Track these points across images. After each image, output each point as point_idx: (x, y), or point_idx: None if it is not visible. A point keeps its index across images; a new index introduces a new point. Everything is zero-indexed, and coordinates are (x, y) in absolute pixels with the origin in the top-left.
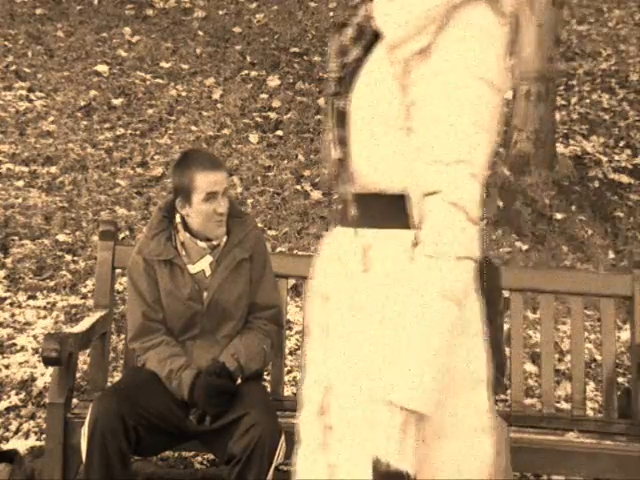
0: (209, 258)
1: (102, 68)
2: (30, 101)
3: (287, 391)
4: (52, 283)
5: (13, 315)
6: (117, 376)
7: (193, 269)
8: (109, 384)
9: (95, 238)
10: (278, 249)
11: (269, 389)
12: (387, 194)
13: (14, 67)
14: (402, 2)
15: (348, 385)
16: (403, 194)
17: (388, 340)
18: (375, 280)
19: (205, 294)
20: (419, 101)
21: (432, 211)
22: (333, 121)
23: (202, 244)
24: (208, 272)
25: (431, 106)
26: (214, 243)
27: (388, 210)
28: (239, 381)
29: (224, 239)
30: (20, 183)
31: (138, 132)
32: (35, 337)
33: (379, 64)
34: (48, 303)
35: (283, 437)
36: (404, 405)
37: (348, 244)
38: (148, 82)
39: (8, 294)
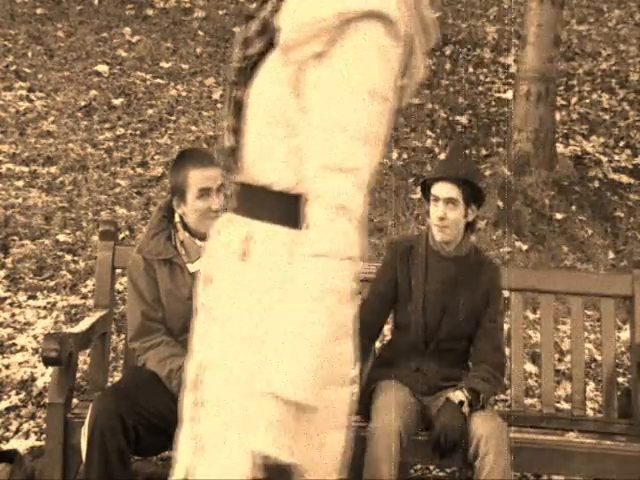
0: None
1: (102, 68)
2: (30, 101)
3: None
4: (52, 283)
5: (13, 315)
6: (117, 376)
7: (192, 268)
8: (109, 384)
9: (95, 238)
10: None
11: None
12: (274, 189)
13: (14, 67)
14: (298, 6)
15: (222, 366)
16: (289, 192)
17: (266, 331)
18: (252, 270)
19: None
20: (310, 107)
21: (319, 213)
22: (229, 109)
23: (201, 243)
24: None
25: (322, 114)
26: None
27: (272, 205)
28: None
29: None
30: (20, 183)
31: (138, 132)
32: (35, 337)
33: (276, 62)
34: (48, 303)
35: None
36: (288, 397)
37: (232, 231)
38: (148, 82)
39: (8, 294)
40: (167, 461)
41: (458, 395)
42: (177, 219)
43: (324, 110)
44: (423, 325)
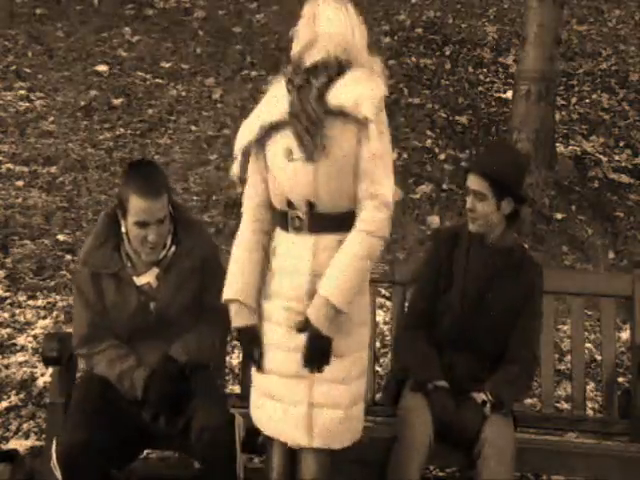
0: (155, 270)
1: (102, 68)
2: (30, 101)
3: None
4: (52, 283)
5: (13, 315)
6: None
7: (139, 281)
8: None
9: None
10: None
11: None
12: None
13: (14, 67)
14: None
15: None
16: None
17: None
18: None
19: (152, 305)
20: None
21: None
22: None
23: (146, 257)
24: (155, 284)
25: None
26: (160, 256)
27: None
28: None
29: (172, 249)
30: (20, 183)
31: (138, 132)
32: (35, 337)
33: None
34: (48, 303)
35: (239, 424)
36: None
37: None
38: (148, 82)
39: (8, 294)
40: (167, 461)
41: (482, 395)
42: (124, 229)
43: None
44: (459, 314)
